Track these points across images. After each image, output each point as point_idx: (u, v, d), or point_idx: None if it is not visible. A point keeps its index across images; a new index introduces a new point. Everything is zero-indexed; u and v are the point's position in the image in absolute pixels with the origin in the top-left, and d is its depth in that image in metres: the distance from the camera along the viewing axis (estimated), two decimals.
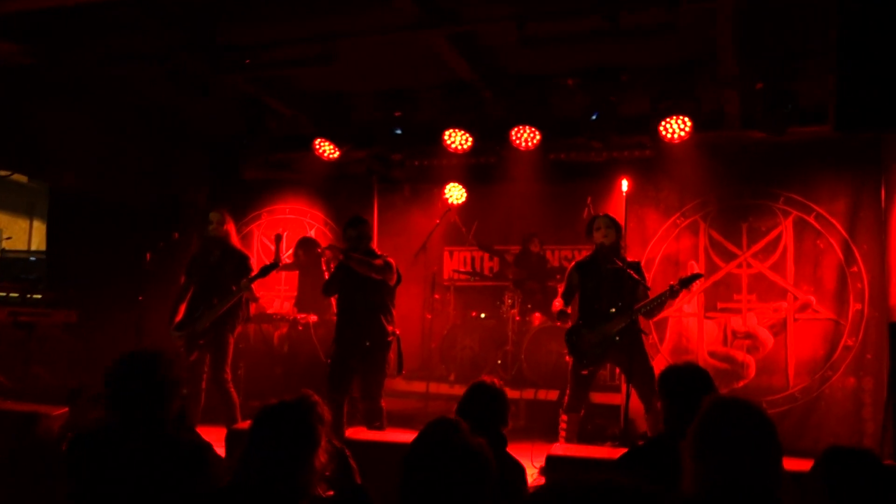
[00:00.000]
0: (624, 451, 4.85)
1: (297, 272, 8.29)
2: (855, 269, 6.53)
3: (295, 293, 8.39)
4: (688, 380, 3.29)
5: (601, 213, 6.03)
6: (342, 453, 2.98)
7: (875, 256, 6.45)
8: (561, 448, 5.48)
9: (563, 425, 5.60)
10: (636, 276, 5.49)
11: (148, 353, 2.96)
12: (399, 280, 5.86)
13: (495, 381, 3.71)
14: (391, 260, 5.78)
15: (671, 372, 3.40)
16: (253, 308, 6.42)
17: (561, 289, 5.94)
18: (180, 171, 8.94)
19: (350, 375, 5.71)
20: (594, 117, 6.58)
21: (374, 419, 5.58)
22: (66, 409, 4.94)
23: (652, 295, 5.49)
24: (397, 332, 5.84)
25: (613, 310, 5.47)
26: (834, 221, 6.62)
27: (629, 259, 5.83)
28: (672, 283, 5.48)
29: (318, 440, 2.58)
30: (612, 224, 5.71)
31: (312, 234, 8.76)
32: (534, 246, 8.54)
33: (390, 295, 5.83)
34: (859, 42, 3.53)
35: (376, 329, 5.66)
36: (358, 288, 5.65)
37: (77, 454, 2.84)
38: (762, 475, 2.14)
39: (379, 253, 5.84)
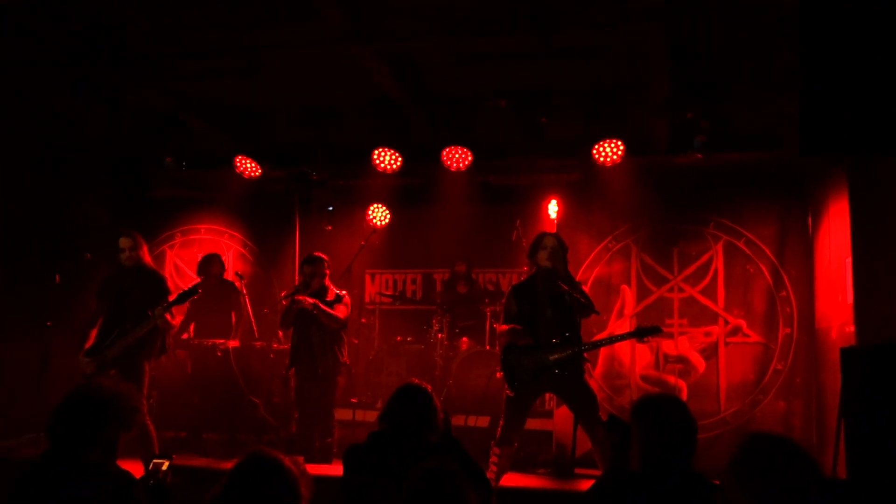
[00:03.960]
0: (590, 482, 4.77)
1: None
2: (784, 293, 6.64)
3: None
4: (667, 411, 3.02)
5: (551, 232, 5.67)
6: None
7: (803, 282, 6.60)
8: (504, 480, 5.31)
9: (493, 458, 5.25)
10: (582, 300, 5.19)
11: (95, 386, 2.99)
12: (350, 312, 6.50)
13: (425, 384, 3.69)
14: (347, 299, 6.36)
15: (647, 403, 3.11)
16: (170, 339, 5.97)
17: (501, 316, 5.59)
18: (83, 189, 8.32)
19: (308, 400, 6.25)
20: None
21: (326, 436, 6.23)
22: None
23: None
24: (348, 363, 6.49)
25: (555, 340, 5.15)
26: (763, 247, 6.72)
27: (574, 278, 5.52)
28: (631, 330, 5.41)
29: None
30: (561, 246, 5.32)
31: (230, 254, 8.31)
32: (459, 267, 8.33)
33: (345, 327, 6.40)
34: (823, 65, 3.49)
35: (330, 359, 6.19)
36: (313, 321, 6.15)
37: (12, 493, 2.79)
38: None
39: (334, 290, 6.34)
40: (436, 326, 7.68)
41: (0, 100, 6.84)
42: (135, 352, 5.57)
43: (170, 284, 5.95)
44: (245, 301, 7.59)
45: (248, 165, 7.40)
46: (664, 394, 3.93)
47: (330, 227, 8.22)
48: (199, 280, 7.80)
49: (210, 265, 7.76)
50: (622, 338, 5.41)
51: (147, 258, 5.92)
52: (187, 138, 7.65)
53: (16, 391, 6.96)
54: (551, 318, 5.20)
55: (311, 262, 6.28)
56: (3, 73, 6.26)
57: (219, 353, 7.11)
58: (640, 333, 5.17)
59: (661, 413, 2.99)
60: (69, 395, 2.93)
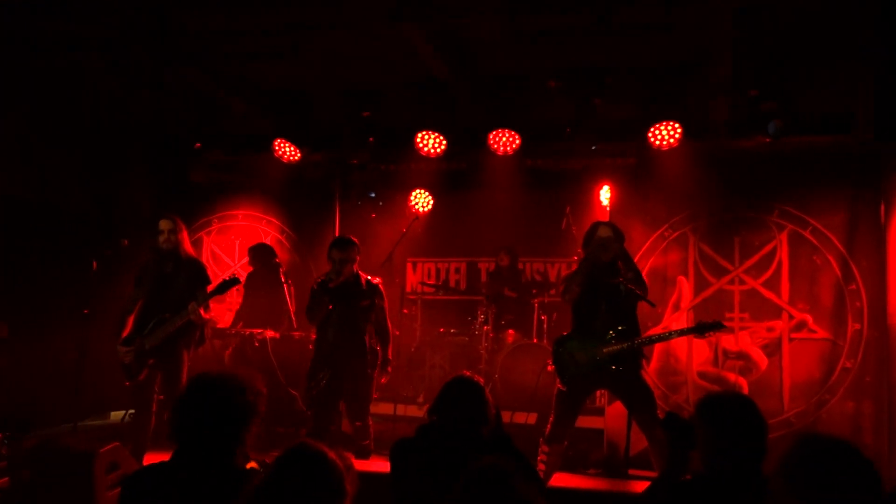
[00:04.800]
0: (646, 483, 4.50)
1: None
2: (853, 286, 6.30)
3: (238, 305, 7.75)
4: (734, 411, 2.81)
5: (605, 221, 5.51)
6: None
7: (874, 274, 6.25)
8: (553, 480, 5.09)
9: (542, 457, 5.06)
10: (638, 291, 5.00)
11: (218, 376, 2.71)
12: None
13: (477, 377, 3.61)
14: (382, 287, 5.93)
15: (714, 401, 2.91)
16: (208, 331, 5.81)
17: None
18: (121, 173, 8.23)
19: (338, 397, 5.80)
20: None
21: (363, 437, 5.82)
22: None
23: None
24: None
25: (612, 333, 4.96)
26: (831, 236, 6.39)
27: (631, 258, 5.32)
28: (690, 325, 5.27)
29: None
30: (616, 235, 5.12)
31: (268, 241, 8.15)
32: (502, 260, 8.08)
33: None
34: None
35: (368, 353, 5.77)
36: (349, 314, 5.72)
37: (131, 493, 2.61)
38: None
39: (364, 277, 5.87)
40: (481, 317, 7.44)
41: (42, 82, 6.77)
42: (174, 341, 5.43)
43: (210, 272, 5.80)
44: (285, 290, 7.43)
45: (287, 149, 7.24)
46: (732, 392, 3.68)
47: (374, 215, 8.02)
48: (236, 267, 7.72)
49: (260, 255, 7.65)
50: (681, 333, 5.23)
51: (187, 244, 5.76)
52: (226, 121, 7.52)
53: (54, 379, 6.90)
54: (606, 311, 5.02)
55: (341, 246, 5.71)
56: (46, 56, 6.19)
57: (256, 344, 6.95)
58: (701, 329, 4.95)
59: (730, 412, 2.80)
60: (201, 395, 2.64)
